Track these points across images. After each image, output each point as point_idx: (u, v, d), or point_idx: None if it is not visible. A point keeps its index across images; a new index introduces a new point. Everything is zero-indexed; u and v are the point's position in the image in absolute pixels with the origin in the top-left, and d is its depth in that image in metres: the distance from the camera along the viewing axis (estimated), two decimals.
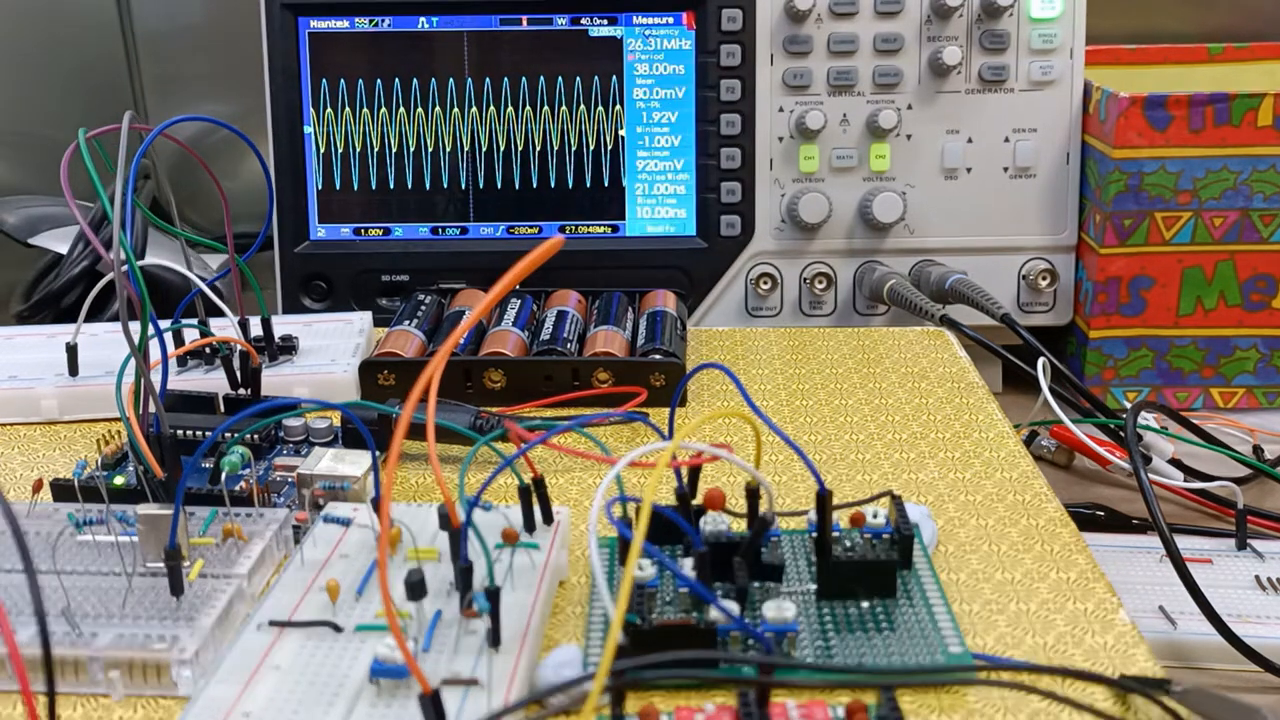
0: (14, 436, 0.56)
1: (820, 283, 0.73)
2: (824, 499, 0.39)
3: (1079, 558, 0.43)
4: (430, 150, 0.73)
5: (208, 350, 0.59)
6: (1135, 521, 0.60)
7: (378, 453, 0.45)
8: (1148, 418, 0.65)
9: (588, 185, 0.73)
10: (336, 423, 0.53)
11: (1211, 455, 0.65)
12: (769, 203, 0.73)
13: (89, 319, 0.59)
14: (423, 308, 0.63)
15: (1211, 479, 0.63)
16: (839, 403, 0.57)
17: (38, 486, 0.45)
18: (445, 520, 0.38)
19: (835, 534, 0.40)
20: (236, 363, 0.55)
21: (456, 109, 0.73)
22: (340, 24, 0.72)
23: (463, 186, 0.74)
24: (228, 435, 0.48)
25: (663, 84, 0.73)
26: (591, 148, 0.73)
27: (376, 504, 0.42)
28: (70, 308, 0.72)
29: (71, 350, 0.58)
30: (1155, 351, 0.72)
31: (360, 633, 0.37)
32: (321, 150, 0.73)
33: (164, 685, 0.37)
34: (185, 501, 0.42)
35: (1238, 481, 0.62)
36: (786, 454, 0.51)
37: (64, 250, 0.74)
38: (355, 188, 0.74)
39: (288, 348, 0.60)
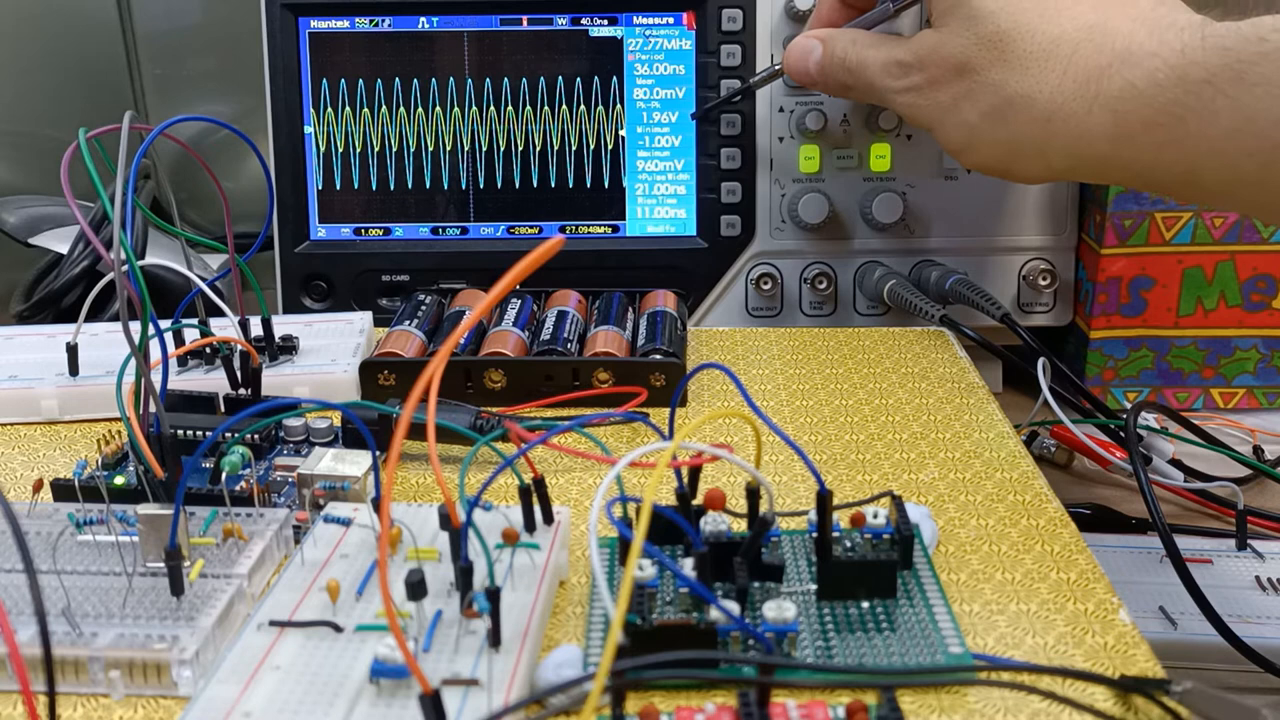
0: (14, 436, 0.56)
1: (820, 283, 0.73)
2: (824, 499, 0.39)
3: (1079, 558, 0.43)
4: (430, 150, 0.73)
5: (208, 350, 0.59)
6: (1135, 521, 0.60)
7: (378, 453, 0.45)
8: (1148, 418, 0.65)
9: (588, 185, 0.73)
10: (337, 423, 0.53)
11: (1211, 455, 0.65)
12: (769, 203, 0.73)
13: (89, 319, 0.59)
14: (423, 308, 0.63)
15: (1211, 479, 0.63)
16: (839, 403, 0.57)
17: (38, 486, 0.45)
18: (445, 520, 0.38)
19: (835, 534, 0.40)
20: (237, 363, 0.55)
21: (456, 109, 0.73)
22: (340, 24, 0.72)
23: (463, 186, 0.74)
24: (228, 435, 0.48)
25: (663, 84, 0.73)
26: (592, 148, 0.73)
27: (377, 504, 0.42)
28: (70, 308, 0.73)
29: (72, 350, 0.58)
30: (1155, 352, 0.72)
31: (360, 633, 0.37)
32: (321, 150, 0.73)
33: (164, 685, 0.37)
34: (185, 501, 0.42)
35: (1238, 482, 0.62)
36: (786, 454, 0.51)
37: (64, 250, 0.74)
38: (355, 188, 0.74)
39: (288, 348, 0.60)
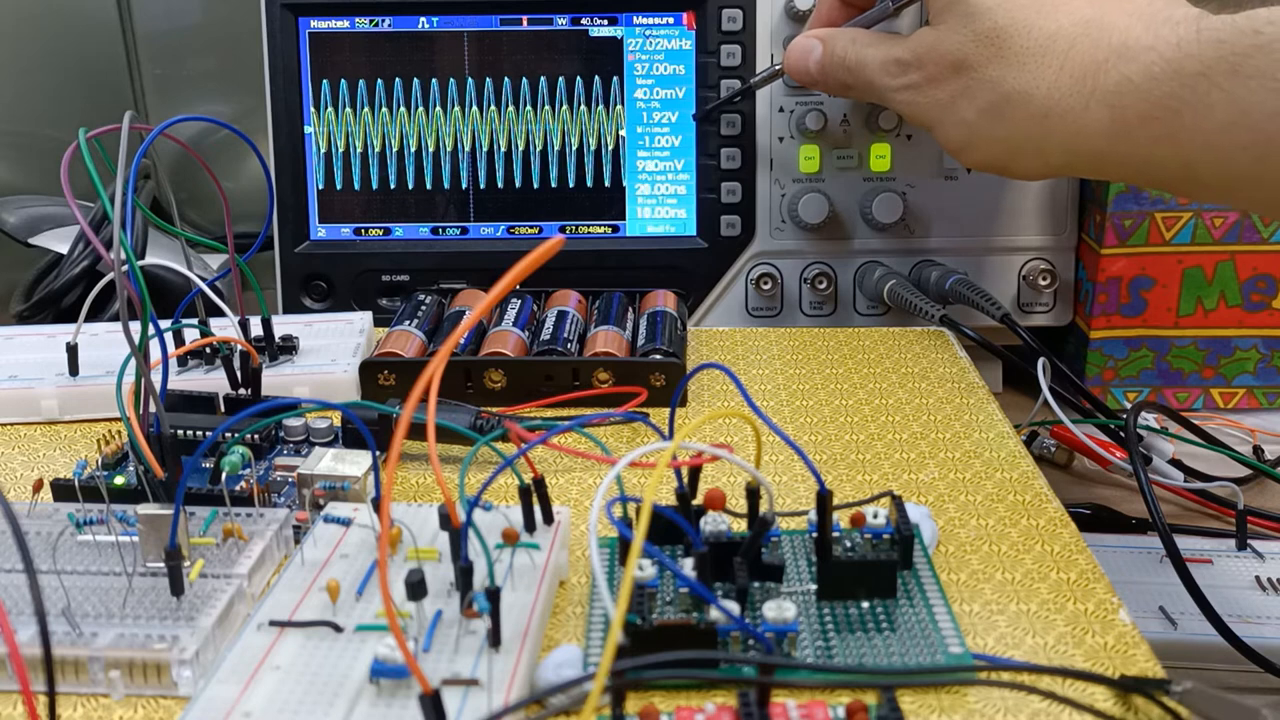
0: (14, 436, 0.56)
1: (820, 283, 0.73)
2: (824, 499, 0.39)
3: (1079, 558, 0.43)
4: (430, 150, 0.73)
5: (208, 350, 0.59)
6: (1135, 521, 0.60)
7: (378, 453, 0.45)
8: (1148, 418, 0.65)
9: (588, 185, 0.73)
10: (337, 423, 0.53)
11: (1211, 455, 0.65)
12: (769, 203, 0.73)
13: (89, 319, 0.59)
14: (423, 308, 0.63)
15: (1211, 479, 0.63)
16: (839, 403, 0.57)
17: (38, 486, 0.45)
18: (445, 520, 0.38)
19: (835, 534, 0.40)
20: (237, 363, 0.55)
21: (457, 109, 0.73)
22: (340, 24, 0.72)
23: (463, 186, 0.74)
24: (228, 435, 0.48)
25: (663, 84, 0.73)
26: (592, 148, 0.73)
27: (377, 504, 0.42)
28: (70, 308, 0.73)
29: (72, 350, 0.58)
30: (1155, 352, 0.72)
31: (360, 633, 0.37)
32: (321, 150, 0.73)
33: (164, 685, 0.37)
34: (185, 501, 0.42)
35: (1238, 482, 0.62)
36: (786, 454, 0.51)
37: (64, 250, 0.74)
38: (355, 188, 0.74)
39: (288, 348, 0.60)
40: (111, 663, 0.37)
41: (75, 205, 0.48)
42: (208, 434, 0.49)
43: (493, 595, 0.36)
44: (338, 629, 0.37)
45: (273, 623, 0.37)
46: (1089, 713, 0.34)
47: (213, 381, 0.56)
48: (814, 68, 0.62)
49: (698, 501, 0.41)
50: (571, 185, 0.73)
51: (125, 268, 0.43)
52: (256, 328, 0.59)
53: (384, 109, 0.73)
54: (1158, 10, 0.48)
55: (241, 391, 0.55)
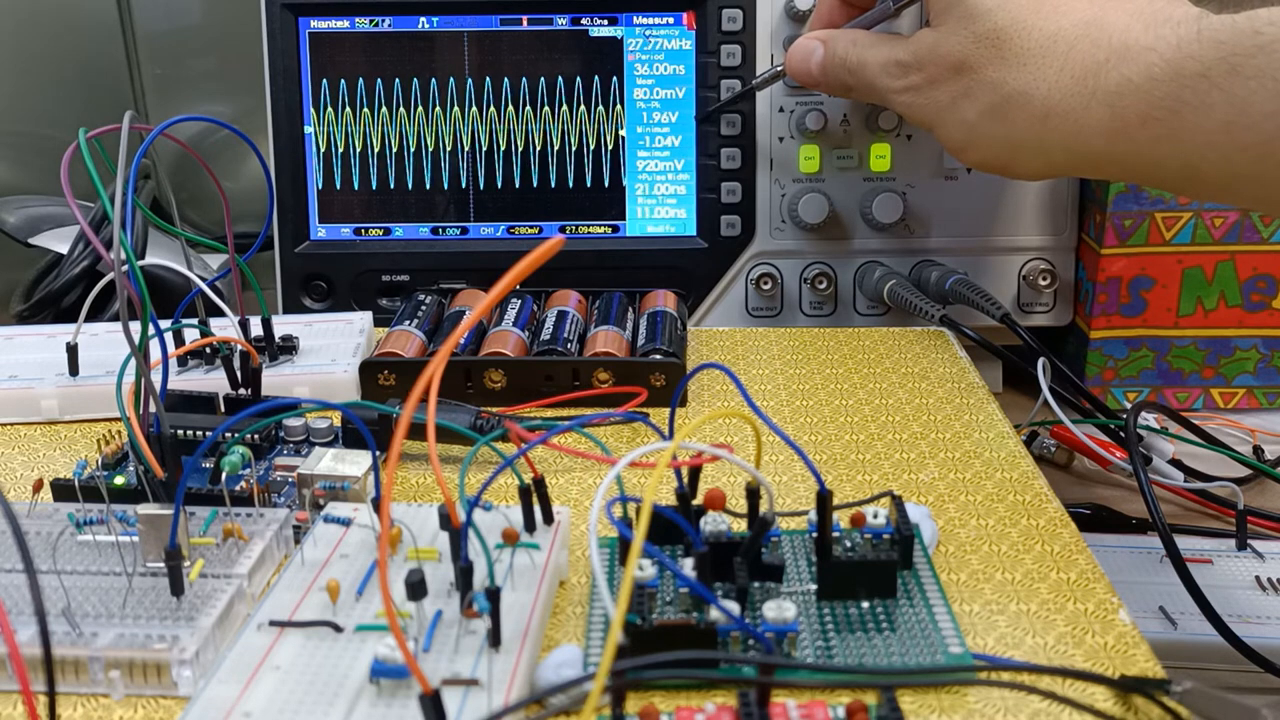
0: (14, 436, 0.56)
1: (820, 283, 0.73)
2: (824, 499, 0.39)
3: (1079, 558, 0.43)
4: (430, 150, 0.73)
5: (208, 350, 0.59)
6: (1135, 521, 0.60)
7: (378, 453, 0.45)
8: (1148, 418, 0.65)
9: (588, 185, 0.73)
10: (337, 423, 0.53)
11: (1211, 455, 0.65)
12: (769, 203, 0.73)
13: (89, 319, 0.59)
14: (423, 308, 0.63)
15: (1211, 479, 0.63)
16: (839, 403, 0.57)
17: (38, 486, 0.45)
18: (445, 520, 0.38)
19: (835, 534, 0.40)
20: (237, 363, 0.55)
21: (456, 109, 0.73)
22: (340, 24, 0.72)
23: (463, 186, 0.74)
24: (228, 435, 0.48)
25: (663, 84, 0.73)
26: (592, 148, 0.73)
27: (377, 504, 0.42)
28: (70, 308, 0.73)
29: (72, 350, 0.58)
30: (1155, 352, 0.72)
31: (360, 633, 0.37)
32: (321, 150, 0.73)
33: (164, 685, 0.37)
34: (185, 501, 0.42)
35: (1238, 482, 0.62)
36: (787, 454, 0.51)
37: (64, 250, 0.74)
38: (355, 188, 0.74)
39: (288, 348, 0.60)
40: (111, 663, 0.37)
41: (75, 205, 0.48)
42: (208, 434, 0.49)
43: (493, 595, 0.36)
44: (338, 629, 0.37)
45: (273, 623, 0.37)
46: (1089, 713, 0.34)
47: (213, 381, 0.56)
48: (815, 69, 0.62)
49: (698, 501, 0.41)
50: (571, 185, 0.73)
51: (125, 268, 0.43)
52: (256, 328, 0.59)
53: (384, 109, 0.73)
54: (1158, 10, 0.48)
55: (241, 391, 0.55)
